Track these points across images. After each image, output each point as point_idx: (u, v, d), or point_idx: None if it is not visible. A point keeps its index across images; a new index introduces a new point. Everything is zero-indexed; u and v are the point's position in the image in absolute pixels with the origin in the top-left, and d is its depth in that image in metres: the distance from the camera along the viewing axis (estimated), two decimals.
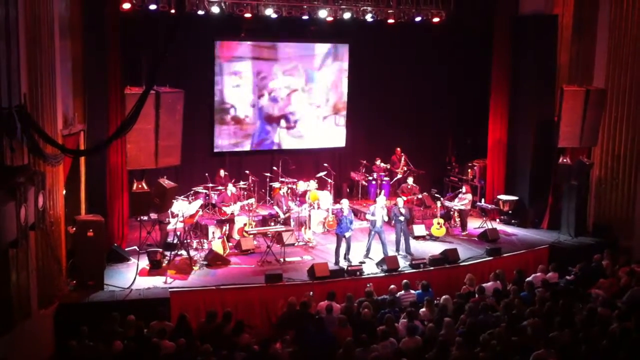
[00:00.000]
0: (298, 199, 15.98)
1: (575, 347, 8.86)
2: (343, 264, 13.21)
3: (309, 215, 15.16)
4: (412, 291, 11.57)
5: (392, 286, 11.58)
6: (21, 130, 8.21)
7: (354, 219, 14.21)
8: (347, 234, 13.32)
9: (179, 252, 13.25)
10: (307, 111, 18.01)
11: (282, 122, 17.80)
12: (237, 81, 17.11)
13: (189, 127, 14.28)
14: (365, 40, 17.66)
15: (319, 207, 15.72)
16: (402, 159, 17.99)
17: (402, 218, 14.00)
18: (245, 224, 14.55)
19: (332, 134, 18.42)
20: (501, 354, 8.63)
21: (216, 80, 16.84)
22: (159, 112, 12.31)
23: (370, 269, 13.12)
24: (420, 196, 16.40)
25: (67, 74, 11.59)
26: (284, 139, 17.90)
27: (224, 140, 17.22)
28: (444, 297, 11.13)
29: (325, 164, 17.15)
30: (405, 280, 11.80)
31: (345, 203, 13.65)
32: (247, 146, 17.56)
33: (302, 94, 17.86)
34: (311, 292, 11.28)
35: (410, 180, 16.50)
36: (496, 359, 8.58)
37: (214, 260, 13.07)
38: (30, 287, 9.34)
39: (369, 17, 16.11)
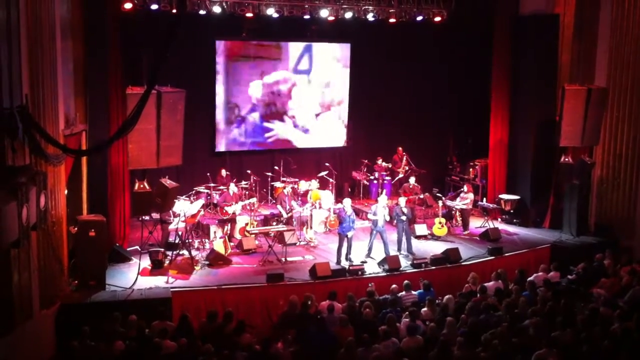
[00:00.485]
0: (300, 198, 15.98)
1: (577, 347, 8.85)
2: (344, 263, 13.22)
3: (311, 215, 15.16)
4: (413, 292, 11.57)
5: (394, 286, 11.59)
6: (23, 131, 8.22)
7: (356, 219, 14.21)
8: (349, 234, 13.32)
9: (181, 252, 13.27)
10: (309, 110, 18.02)
11: (284, 121, 17.80)
12: (238, 80, 17.11)
13: (191, 127, 14.28)
14: (367, 40, 17.64)
15: (320, 207, 15.72)
16: (404, 158, 17.99)
17: (403, 217, 13.99)
18: (246, 224, 14.55)
19: (334, 133, 18.43)
20: (503, 354, 8.63)
21: (217, 79, 16.85)
22: (161, 112, 12.31)
23: (372, 268, 13.12)
24: (422, 196, 16.38)
25: (68, 74, 11.60)
26: (286, 139, 17.90)
27: (225, 139, 17.23)
28: (446, 297, 11.13)
29: (327, 164, 17.16)
30: (406, 281, 11.80)
31: (347, 202, 13.65)
32: (248, 146, 17.56)
33: (303, 93, 17.86)
34: (310, 300, 11.13)
35: (412, 179, 16.47)
36: (498, 358, 8.57)
37: (215, 260, 13.08)
38: (31, 288, 9.35)
39: (370, 17, 16.10)
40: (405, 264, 13.29)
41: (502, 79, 16.75)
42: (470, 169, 18.18)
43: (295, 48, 17.66)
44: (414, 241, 14.47)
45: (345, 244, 13.39)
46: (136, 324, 9.68)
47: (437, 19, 16.58)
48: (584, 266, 12.80)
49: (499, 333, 9.17)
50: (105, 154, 12.59)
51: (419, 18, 16.51)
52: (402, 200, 14.35)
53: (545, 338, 8.80)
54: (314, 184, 16.27)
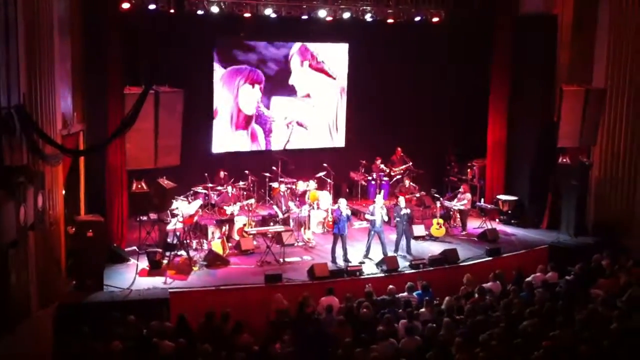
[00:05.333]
0: (297, 199, 15.96)
1: (575, 347, 8.85)
2: (340, 262, 13.26)
3: (309, 216, 15.14)
4: (414, 294, 11.57)
5: (391, 286, 11.57)
6: (20, 130, 8.20)
7: (353, 218, 14.18)
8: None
9: (179, 253, 13.23)
10: (307, 111, 18.01)
11: (281, 121, 17.78)
12: (236, 80, 17.09)
13: (189, 126, 14.26)
14: (365, 40, 17.62)
15: (318, 207, 15.70)
16: (402, 159, 17.98)
17: (403, 218, 13.97)
18: (244, 224, 14.53)
19: (332, 134, 18.42)
20: (501, 355, 8.62)
21: (215, 79, 16.83)
22: (159, 111, 12.31)
23: (370, 269, 13.12)
24: (418, 195, 16.37)
25: (66, 73, 11.58)
26: (283, 139, 17.88)
27: (223, 140, 17.20)
28: (446, 298, 11.13)
29: (325, 164, 17.13)
30: (410, 283, 11.79)
31: (342, 202, 13.65)
32: (246, 146, 17.54)
33: (301, 92, 17.84)
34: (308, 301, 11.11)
35: (406, 181, 16.36)
36: (496, 359, 8.56)
37: (213, 260, 13.06)
38: (29, 288, 9.33)
39: (368, 17, 16.08)
40: (403, 264, 13.28)
41: (500, 79, 16.75)
42: (468, 170, 18.18)
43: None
44: (412, 242, 14.45)
45: (340, 244, 13.42)
46: (134, 324, 9.66)
47: (435, 19, 16.56)
48: (581, 266, 12.79)
49: (497, 334, 9.16)
50: (103, 153, 12.58)
51: (417, 18, 16.49)
52: (402, 201, 14.34)
53: (544, 339, 8.80)
54: (312, 184, 16.25)
